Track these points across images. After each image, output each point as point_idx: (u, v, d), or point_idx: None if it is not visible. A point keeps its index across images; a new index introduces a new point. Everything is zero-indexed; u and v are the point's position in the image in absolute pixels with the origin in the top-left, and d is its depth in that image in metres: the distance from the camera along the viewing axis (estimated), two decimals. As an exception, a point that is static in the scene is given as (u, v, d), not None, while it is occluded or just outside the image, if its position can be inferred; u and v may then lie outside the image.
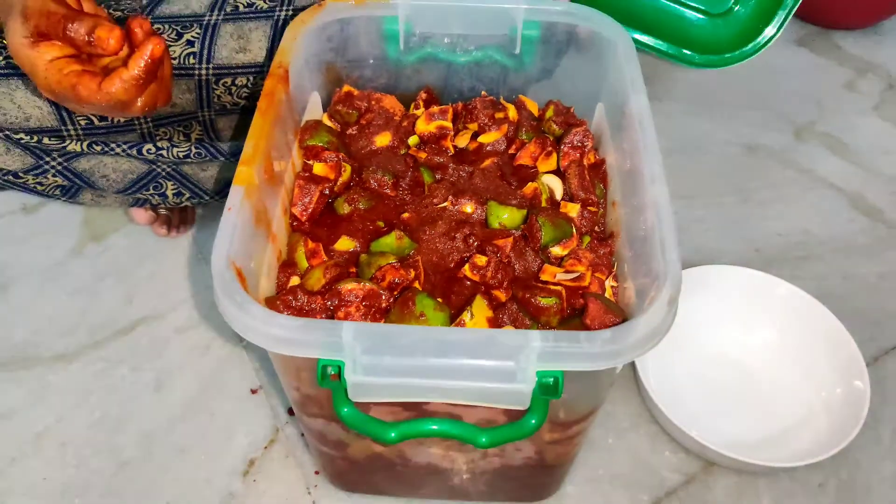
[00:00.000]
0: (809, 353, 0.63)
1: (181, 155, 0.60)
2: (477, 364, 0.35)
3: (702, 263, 0.67)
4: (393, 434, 0.37)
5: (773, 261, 0.76)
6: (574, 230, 0.49)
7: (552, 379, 0.36)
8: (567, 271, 0.46)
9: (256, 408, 0.63)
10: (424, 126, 0.55)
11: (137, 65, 0.44)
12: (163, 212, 0.73)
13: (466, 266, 0.46)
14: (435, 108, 0.55)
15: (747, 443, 0.60)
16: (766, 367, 0.65)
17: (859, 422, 0.56)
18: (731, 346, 0.66)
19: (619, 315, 0.43)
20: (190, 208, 0.77)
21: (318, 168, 0.51)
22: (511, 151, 0.55)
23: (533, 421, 0.37)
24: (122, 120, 0.59)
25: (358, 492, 0.57)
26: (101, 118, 0.58)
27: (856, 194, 0.84)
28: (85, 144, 0.57)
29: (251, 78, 0.61)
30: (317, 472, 0.59)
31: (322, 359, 0.35)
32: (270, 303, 0.43)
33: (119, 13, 0.59)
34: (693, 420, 0.60)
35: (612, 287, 0.47)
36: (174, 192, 0.64)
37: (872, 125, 0.94)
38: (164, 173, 0.63)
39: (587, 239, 0.49)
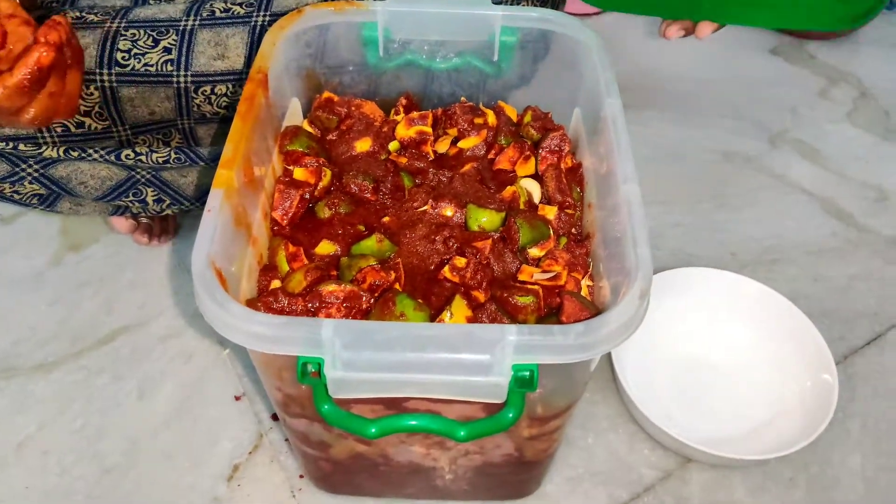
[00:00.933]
0: (780, 349, 0.65)
1: (160, 160, 0.60)
2: (454, 358, 0.36)
3: (679, 266, 0.69)
4: (373, 429, 0.38)
5: (748, 264, 0.78)
6: (551, 232, 0.50)
7: (528, 372, 0.36)
8: (544, 271, 0.48)
9: (240, 414, 0.63)
10: (404, 131, 0.56)
11: (21, 71, 0.43)
12: (144, 220, 0.73)
13: (446, 268, 0.47)
14: (415, 114, 0.57)
15: (723, 439, 0.61)
16: (740, 365, 0.66)
17: (829, 413, 0.57)
18: (706, 346, 0.67)
19: (593, 312, 0.44)
20: (171, 217, 0.77)
21: (299, 173, 0.52)
22: (490, 156, 0.57)
23: (510, 414, 0.38)
24: (98, 127, 0.59)
25: (342, 493, 0.57)
26: (78, 125, 0.58)
27: (827, 199, 0.87)
28: (61, 150, 0.57)
29: (230, 86, 0.61)
30: (301, 476, 0.59)
31: (302, 356, 0.36)
32: (251, 305, 0.43)
33: (93, 16, 0.60)
34: (670, 418, 0.62)
35: (587, 286, 0.48)
36: (154, 198, 0.65)
37: (844, 132, 0.97)
38: (143, 180, 0.63)
39: (564, 240, 0.51)
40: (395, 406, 0.42)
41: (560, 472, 0.60)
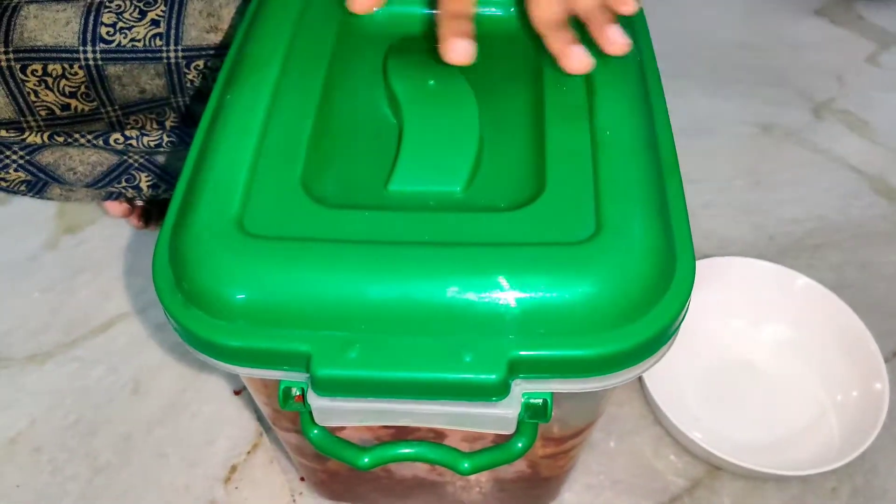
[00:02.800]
0: (824, 351, 0.59)
1: (153, 144, 0.56)
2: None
3: (711, 252, 0.63)
4: (366, 460, 0.34)
5: (788, 249, 0.71)
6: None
7: (541, 400, 0.32)
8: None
9: (239, 410, 0.60)
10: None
11: None
12: (139, 203, 0.69)
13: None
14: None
15: (755, 446, 0.56)
16: (777, 367, 0.61)
17: (877, 426, 0.52)
18: (740, 344, 0.62)
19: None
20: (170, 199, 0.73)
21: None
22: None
23: (520, 444, 0.33)
24: (85, 109, 0.55)
25: (344, 500, 0.54)
26: (63, 107, 0.54)
27: (877, 176, 0.79)
28: (46, 136, 0.53)
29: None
30: (302, 479, 0.56)
31: (283, 380, 0.32)
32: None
33: None
34: (698, 422, 0.57)
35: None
36: (149, 184, 0.60)
37: None
38: (136, 164, 0.59)
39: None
40: (394, 426, 0.38)
41: (579, 479, 0.56)
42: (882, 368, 0.55)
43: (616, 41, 0.36)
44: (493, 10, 0.42)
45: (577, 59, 0.36)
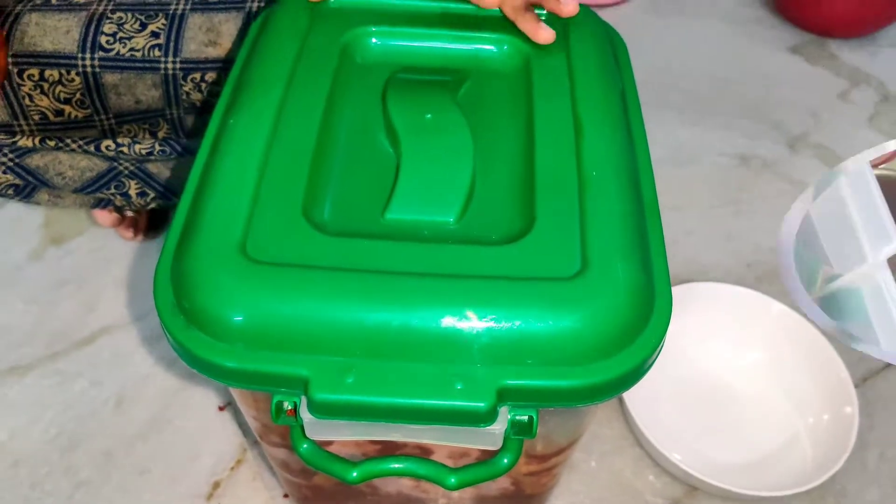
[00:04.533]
0: (798, 376, 0.61)
1: (144, 152, 0.57)
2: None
3: (691, 278, 0.65)
4: (355, 474, 0.34)
5: (764, 276, 0.74)
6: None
7: (526, 417, 0.33)
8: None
9: (223, 426, 0.60)
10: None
11: None
12: (129, 213, 0.69)
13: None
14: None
15: (732, 467, 0.57)
16: (753, 390, 0.62)
17: (847, 449, 0.54)
18: (718, 367, 0.63)
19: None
20: (160, 210, 0.73)
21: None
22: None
23: (505, 460, 0.34)
24: (79, 116, 0.56)
25: (326, 518, 0.54)
26: (57, 113, 0.55)
27: (849, 208, 0.82)
28: (37, 140, 0.54)
29: (222, 74, 0.57)
30: (286, 496, 0.56)
31: (276, 394, 0.32)
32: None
33: None
34: (676, 443, 0.58)
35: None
36: (138, 192, 0.61)
37: (866, 137, 0.92)
38: (126, 171, 0.59)
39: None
40: (382, 441, 0.39)
41: (561, 498, 0.57)
42: (852, 393, 0.57)
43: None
44: (487, 47, 0.44)
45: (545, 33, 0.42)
